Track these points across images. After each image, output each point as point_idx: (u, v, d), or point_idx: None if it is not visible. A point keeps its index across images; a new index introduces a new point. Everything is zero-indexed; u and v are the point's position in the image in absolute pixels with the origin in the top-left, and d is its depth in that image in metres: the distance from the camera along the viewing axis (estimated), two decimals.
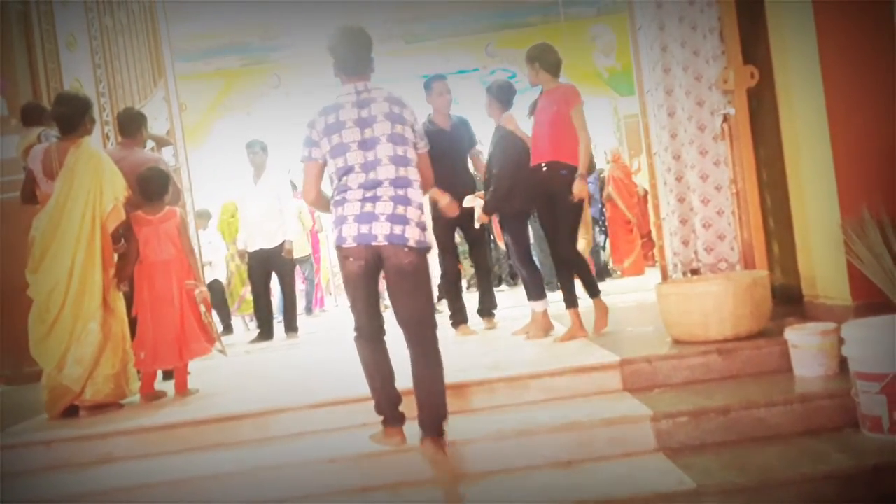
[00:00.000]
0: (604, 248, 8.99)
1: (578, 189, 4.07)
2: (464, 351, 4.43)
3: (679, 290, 3.81)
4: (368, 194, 2.95)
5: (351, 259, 2.98)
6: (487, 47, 11.44)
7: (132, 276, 3.98)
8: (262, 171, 6.41)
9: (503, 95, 4.64)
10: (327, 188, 3.15)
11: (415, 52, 11.45)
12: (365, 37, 3.12)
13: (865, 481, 2.56)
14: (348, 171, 2.98)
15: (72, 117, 3.91)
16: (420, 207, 3.04)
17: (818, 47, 3.61)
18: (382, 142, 2.98)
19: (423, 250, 3.01)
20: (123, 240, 3.97)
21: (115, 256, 3.96)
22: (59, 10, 5.78)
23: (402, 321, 3.01)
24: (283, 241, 6.31)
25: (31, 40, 5.63)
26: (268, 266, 6.33)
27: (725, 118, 4.16)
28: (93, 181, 3.83)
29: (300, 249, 7.93)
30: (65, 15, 5.84)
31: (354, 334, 3.10)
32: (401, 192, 2.97)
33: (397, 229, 2.93)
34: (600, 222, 8.77)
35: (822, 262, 3.82)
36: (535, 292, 4.63)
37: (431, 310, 3.11)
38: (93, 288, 3.77)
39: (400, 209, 2.95)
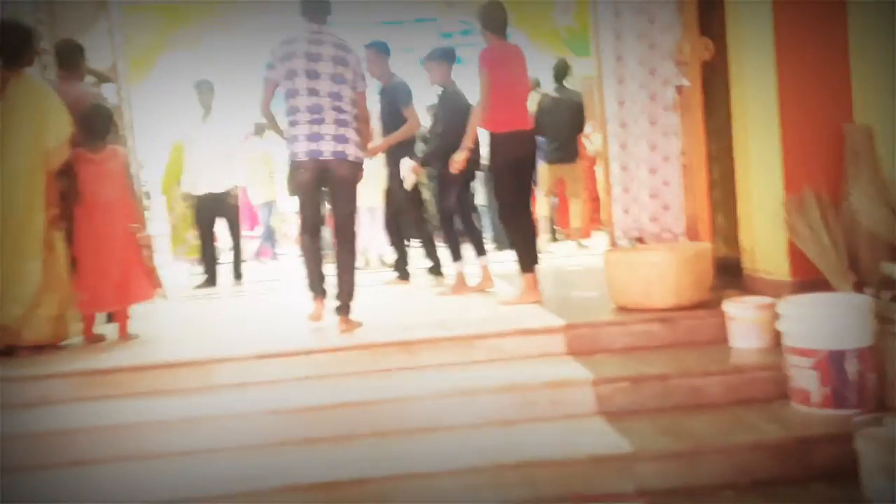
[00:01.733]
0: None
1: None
2: (413, 308, 4.46)
3: (624, 259, 3.88)
4: (315, 117, 3.72)
5: (302, 170, 3.81)
6: None
7: (72, 215, 3.84)
8: (209, 112, 6.22)
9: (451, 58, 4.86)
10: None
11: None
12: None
13: (793, 452, 2.69)
14: (295, 93, 3.74)
15: (15, 47, 3.72)
16: (356, 131, 3.85)
17: (773, 24, 3.64)
18: (324, 77, 3.74)
19: (358, 163, 3.89)
20: (65, 177, 3.81)
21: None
22: None
23: (336, 218, 3.91)
24: (232, 187, 6.17)
25: None
26: (214, 211, 6.20)
27: (678, 89, 4.19)
28: (36, 113, 3.67)
29: (267, 194, 7.82)
30: None
31: (299, 230, 4.04)
32: (341, 116, 3.76)
33: (339, 147, 3.75)
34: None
35: (763, 237, 3.93)
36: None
37: (355, 211, 4.00)
38: (34, 227, 3.64)
39: (341, 130, 3.76)
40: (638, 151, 4.40)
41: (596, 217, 8.80)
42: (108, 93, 5.47)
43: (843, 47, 3.63)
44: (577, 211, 7.80)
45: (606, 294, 4.00)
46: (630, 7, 4.32)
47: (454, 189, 4.84)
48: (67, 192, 3.82)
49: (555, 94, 7.32)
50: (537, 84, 8.37)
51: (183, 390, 3.32)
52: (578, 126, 7.27)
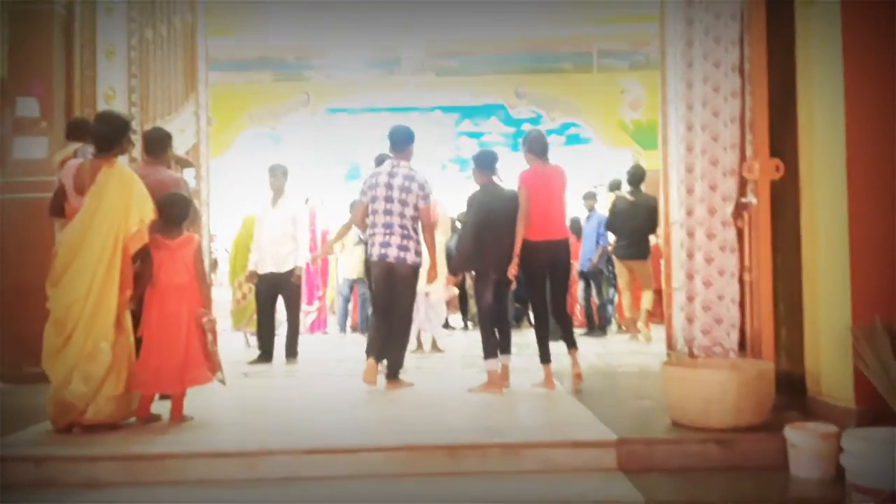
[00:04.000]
0: (611, 301, 8.97)
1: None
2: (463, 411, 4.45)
3: (683, 375, 3.80)
4: (386, 230, 5.00)
5: (376, 267, 5.07)
6: (517, 87, 11.53)
7: (143, 297, 4.01)
8: (280, 196, 6.47)
9: (484, 164, 5.09)
10: None
11: (445, 84, 11.57)
12: (409, 133, 5.19)
13: None
14: (375, 212, 5.04)
15: (110, 137, 3.97)
16: (418, 241, 5.06)
17: (846, 150, 3.63)
18: (395, 200, 5.01)
19: (415, 267, 5.06)
20: (140, 261, 3.99)
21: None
22: (101, 20, 5.89)
23: (396, 306, 5.04)
24: (295, 267, 6.34)
25: (71, 47, 5.75)
26: (276, 290, 6.37)
27: (746, 206, 4.16)
28: (121, 201, 3.86)
29: (357, 271, 8.43)
30: (107, 25, 5.93)
31: (371, 309, 5.63)
32: (404, 231, 5.00)
33: (401, 253, 4.99)
34: (609, 275, 8.73)
35: (829, 361, 3.80)
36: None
37: (412, 300, 5.21)
38: (109, 307, 3.79)
39: (404, 241, 5.00)
40: (693, 264, 4.36)
41: (658, 311, 8.67)
42: (188, 175, 5.79)
43: None
44: (646, 300, 7.82)
45: (662, 405, 3.92)
46: (697, 121, 4.36)
47: (490, 289, 4.97)
48: (141, 274, 3.99)
49: (630, 197, 7.84)
50: (617, 186, 8.60)
51: (230, 482, 3.35)
52: (651, 227, 7.55)
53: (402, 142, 5.14)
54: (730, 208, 4.18)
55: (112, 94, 5.92)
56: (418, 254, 5.05)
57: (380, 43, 10.62)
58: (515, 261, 4.80)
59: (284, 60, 11.03)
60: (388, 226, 4.97)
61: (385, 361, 5.16)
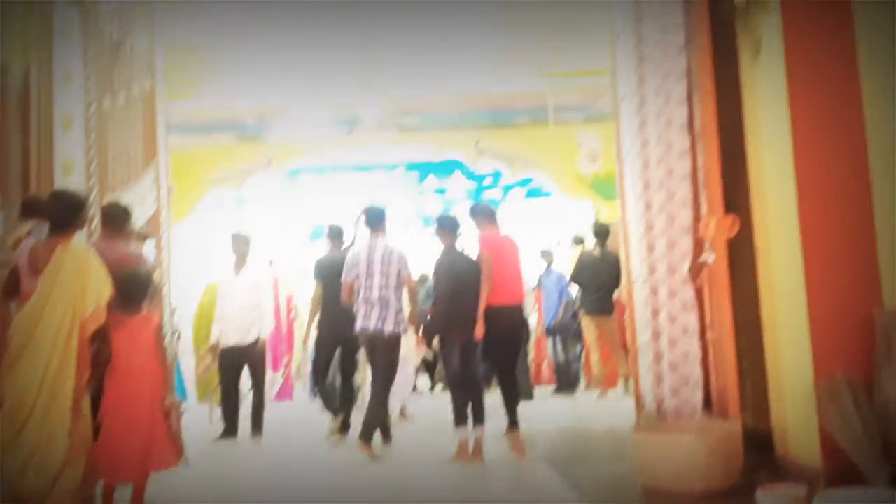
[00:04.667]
0: (579, 358, 8.97)
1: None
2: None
3: (653, 441, 3.80)
4: (368, 303, 5.29)
5: (360, 337, 5.40)
6: (477, 143, 11.68)
7: (101, 380, 3.88)
8: (243, 263, 6.39)
9: (447, 226, 5.38)
10: None
11: (407, 140, 11.66)
12: (382, 212, 5.59)
13: None
14: (360, 288, 5.36)
15: (66, 216, 3.88)
16: (398, 311, 5.32)
17: (798, 205, 3.71)
18: (376, 274, 5.34)
19: (395, 336, 5.32)
20: (97, 342, 3.88)
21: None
22: (58, 90, 5.81)
23: (378, 366, 5.36)
24: (259, 337, 6.24)
25: (27, 121, 5.64)
26: (240, 361, 6.24)
27: (703, 265, 4.23)
28: (77, 280, 3.76)
29: None
30: (64, 95, 5.86)
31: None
32: (384, 302, 5.27)
33: (380, 324, 5.27)
34: (573, 332, 8.73)
35: (795, 418, 3.83)
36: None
37: (392, 366, 5.37)
38: (65, 393, 3.64)
39: (384, 312, 5.27)
40: (658, 322, 4.41)
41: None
42: (148, 248, 5.69)
43: (870, 232, 3.66)
44: (611, 358, 7.85)
45: (634, 469, 3.90)
46: (655, 182, 4.45)
47: (457, 354, 5.08)
48: (99, 356, 3.87)
49: (596, 252, 7.99)
50: (581, 240, 8.73)
51: None
52: (617, 283, 7.57)
53: (377, 219, 5.53)
54: (685, 266, 4.24)
55: (70, 166, 5.83)
56: (398, 324, 5.32)
57: (340, 101, 10.71)
58: (481, 322, 4.97)
59: (245, 122, 11.03)
60: (369, 300, 5.29)
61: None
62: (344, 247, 6.13)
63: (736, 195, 4.28)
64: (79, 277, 3.78)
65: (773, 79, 3.89)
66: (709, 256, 4.18)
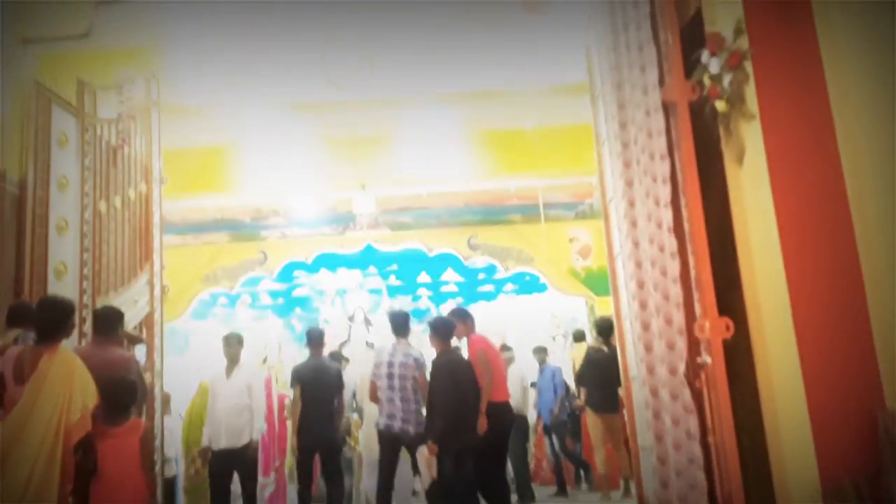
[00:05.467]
0: (579, 457, 8.77)
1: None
2: None
3: None
4: (389, 402, 5.78)
5: (383, 435, 5.82)
6: (470, 239, 11.80)
7: (86, 490, 3.76)
8: (235, 365, 6.31)
9: (440, 331, 5.75)
10: None
11: (399, 238, 11.78)
12: (406, 318, 6.16)
13: None
14: (381, 387, 5.84)
15: (53, 324, 3.88)
16: (418, 406, 5.73)
17: (791, 309, 3.72)
18: (396, 377, 5.81)
19: (419, 436, 5.64)
20: (82, 451, 3.78)
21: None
22: (55, 196, 5.88)
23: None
24: (251, 440, 6.09)
25: (22, 225, 5.67)
26: (231, 465, 6.07)
27: (698, 365, 4.20)
28: (63, 389, 3.72)
29: None
30: (60, 200, 5.92)
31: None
32: (406, 400, 5.76)
33: (403, 424, 5.71)
34: (570, 428, 8.56)
35: None
36: None
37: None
38: (49, 502, 3.54)
39: (404, 407, 5.72)
40: (661, 425, 4.32)
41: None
42: (139, 352, 5.63)
43: (867, 330, 3.65)
44: (616, 458, 7.65)
45: None
46: (650, 282, 4.46)
47: (452, 461, 5.19)
48: (83, 465, 3.77)
49: (602, 348, 7.71)
50: (582, 336, 8.68)
51: None
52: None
53: (401, 326, 6.01)
54: (682, 367, 4.20)
55: (63, 270, 5.83)
56: (419, 422, 5.73)
57: (334, 199, 10.88)
58: (482, 419, 5.27)
59: (241, 221, 11.15)
60: (389, 397, 5.76)
61: None
62: (329, 350, 6.27)
63: (730, 297, 4.29)
64: (64, 386, 3.74)
65: (758, 183, 3.98)
66: (706, 358, 4.15)
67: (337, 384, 6.43)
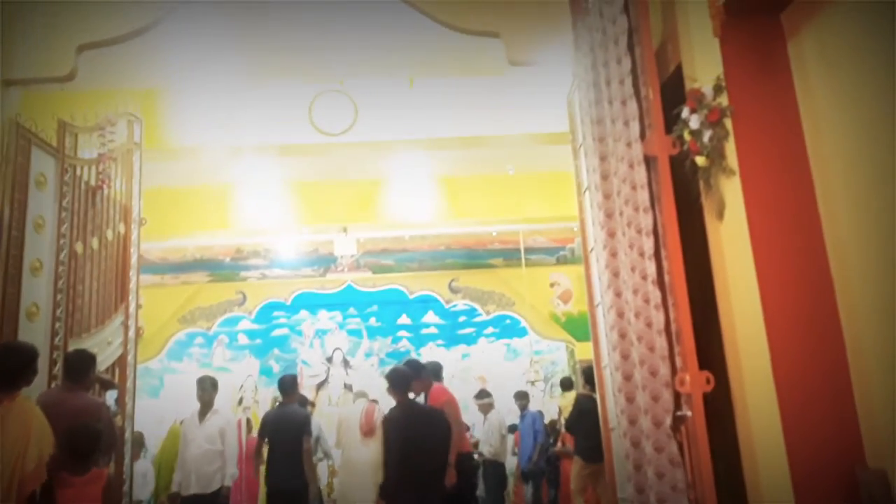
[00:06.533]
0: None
1: None
2: None
3: None
4: None
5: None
6: (451, 282, 11.79)
7: None
8: (208, 409, 6.18)
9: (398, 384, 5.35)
10: None
11: (381, 281, 11.74)
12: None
13: None
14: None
15: (13, 372, 3.76)
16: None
17: (770, 354, 3.71)
18: None
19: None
20: (42, 500, 3.65)
21: None
22: (30, 237, 5.78)
23: None
24: (221, 486, 5.94)
25: None
26: None
27: (678, 419, 4.17)
28: (19, 439, 3.60)
29: None
30: (36, 241, 5.82)
31: None
32: None
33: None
34: (549, 476, 8.46)
35: None
36: None
37: None
38: None
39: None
40: (644, 478, 4.26)
41: None
42: (110, 398, 5.49)
43: (848, 389, 3.64)
44: None
45: None
46: (633, 332, 4.44)
47: None
48: None
49: (593, 395, 7.44)
50: (569, 384, 8.60)
51: None
52: None
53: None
54: (668, 419, 4.16)
55: (35, 311, 5.70)
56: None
57: (316, 239, 10.84)
58: (451, 471, 5.07)
59: (221, 261, 11.07)
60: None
61: None
62: (304, 395, 6.20)
63: (710, 350, 4.28)
64: (20, 436, 3.62)
65: (738, 237, 3.99)
66: (686, 412, 4.11)
67: (302, 429, 6.30)
